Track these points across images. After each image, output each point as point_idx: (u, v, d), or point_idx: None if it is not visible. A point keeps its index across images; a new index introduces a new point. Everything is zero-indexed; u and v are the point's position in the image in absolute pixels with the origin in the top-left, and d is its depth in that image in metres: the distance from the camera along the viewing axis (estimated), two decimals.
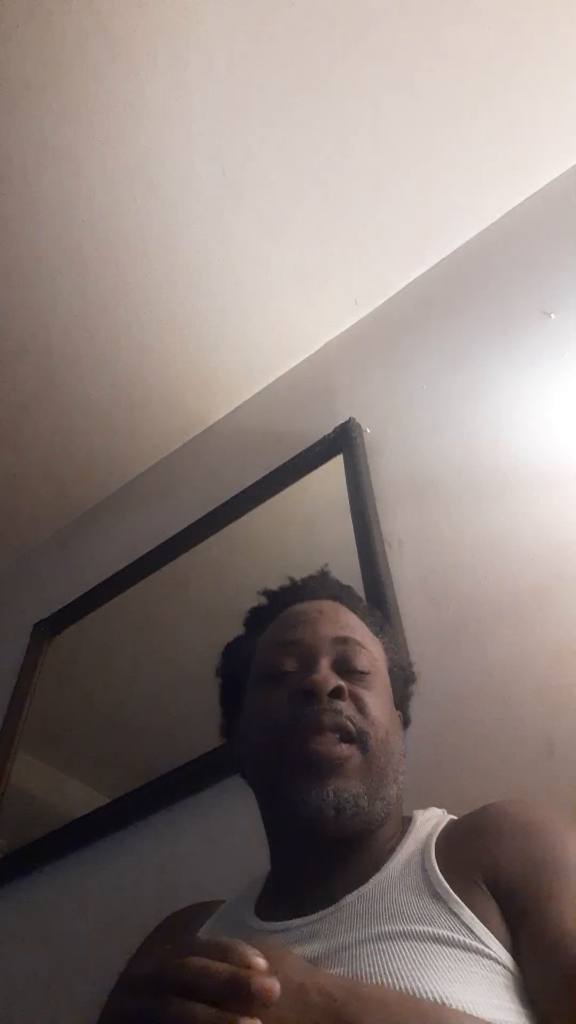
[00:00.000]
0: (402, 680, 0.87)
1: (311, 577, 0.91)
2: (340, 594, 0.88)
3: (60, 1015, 1.10)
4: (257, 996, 0.41)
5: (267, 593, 0.91)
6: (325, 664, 0.76)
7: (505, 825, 0.65)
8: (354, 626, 0.82)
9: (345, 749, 0.70)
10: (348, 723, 0.71)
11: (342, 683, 0.73)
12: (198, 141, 1.58)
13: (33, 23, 1.42)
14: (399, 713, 0.83)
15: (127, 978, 0.75)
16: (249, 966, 0.42)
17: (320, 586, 0.89)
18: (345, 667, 0.77)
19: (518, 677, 1.00)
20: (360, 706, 0.73)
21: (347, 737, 0.70)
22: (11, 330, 1.82)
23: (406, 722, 0.85)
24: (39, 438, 2.01)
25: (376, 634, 0.86)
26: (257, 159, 1.61)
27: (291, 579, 0.91)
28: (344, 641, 0.79)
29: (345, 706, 0.72)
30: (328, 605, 0.85)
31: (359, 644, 0.79)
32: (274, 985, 0.42)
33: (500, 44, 1.47)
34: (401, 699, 0.85)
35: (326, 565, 0.94)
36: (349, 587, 0.91)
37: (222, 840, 1.11)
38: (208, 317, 1.83)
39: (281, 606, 0.87)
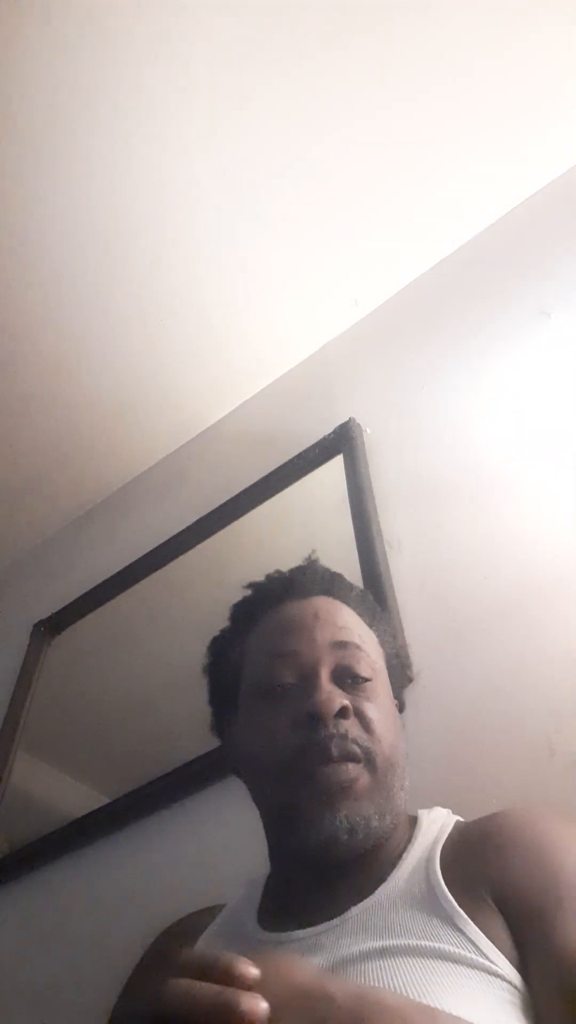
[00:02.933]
0: (398, 668, 0.85)
1: (299, 569, 0.87)
2: (331, 586, 0.84)
3: (60, 1015, 1.10)
4: (244, 1018, 0.40)
5: (253, 586, 0.87)
6: (325, 678, 0.73)
7: (514, 838, 0.64)
8: (351, 626, 0.80)
9: (352, 770, 0.68)
10: (355, 746, 0.69)
11: (346, 702, 0.71)
12: (198, 142, 1.58)
13: (33, 24, 1.42)
14: (396, 701, 0.82)
15: (120, 1012, 0.74)
16: (234, 979, 0.41)
17: (310, 579, 0.85)
18: (346, 675, 0.75)
19: (519, 677, 1.00)
20: (365, 723, 0.72)
21: (354, 760, 0.69)
22: (11, 330, 1.82)
23: (401, 707, 0.84)
24: (39, 438, 2.01)
25: (370, 624, 0.83)
26: (258, 160, 1.61)
27: (279, 571, 0.87)
28: (343, 646, 0.77)
29: (351, 726, 0.70)
30: (322, 604, 0.81)
31: (358, 647, 0.77)
32: (258, 1005, 0.40)
33: (500, 45, 1.47)
34: (398, 687, 0.84)
35: (313, 552, 0.91)
36: (339, 575, 0.87)
37: (222, 840, 1.11)
38: (208, 317, 1.83)
39: (269, 602, 0.83)
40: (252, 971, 0.42)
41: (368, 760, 0.69)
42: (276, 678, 0.75)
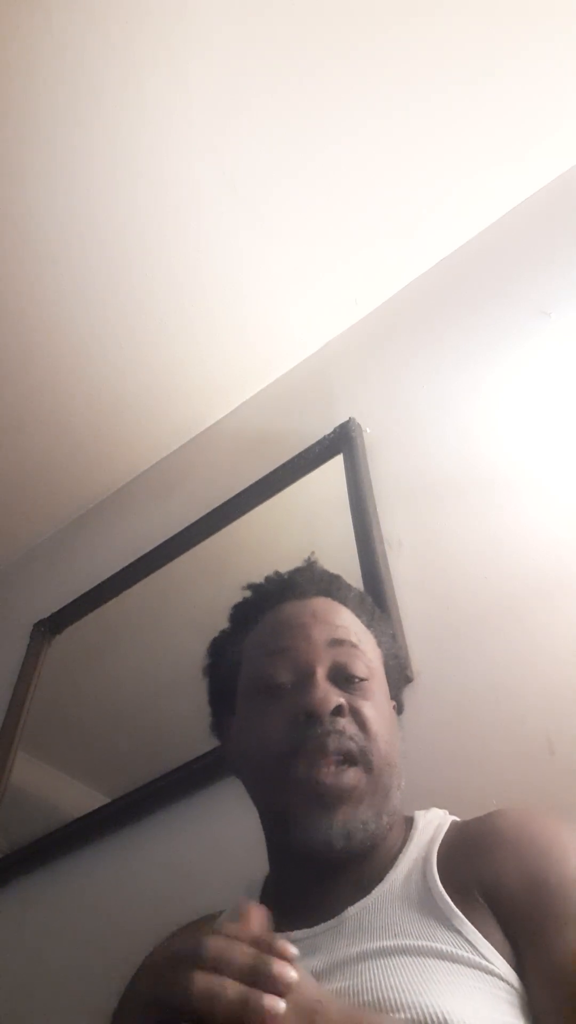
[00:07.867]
0: (396, 669, 0.85)
1: (298, 570, 0.88)
2: (330, 587, 0.85)
3: (61, 1014, 1.10)
4: (278, 979, 0.43)
5: (253, 587, 0.88)
6: (322, 675, 0.73)
7: (506, 838, 0.64)
8: (348, 625, 0.80)
9: (351, 776, 0.68)
10: (351, 744, 0.69)
11: (342, 700, 0.71)
12: (199, 142, 1.58)
13: (33, 24, 1.42)
14: (394, 703, 0.82)
15: (131, 994, 0.74)
16: (275, 952, 0.44)
17: (308, 580, 0.85)
18: (342, 674, 0.74)
19: (518, 676, 1.00)
20: (361, 722, 0.71)
21: (351, 759, 0.68)
22: (12, 332, 1.82)
23: (399, 709, 0.84)
24: (39, 438, 2.01)
25: (368, 625, 0.83)
26: (258, 160, 1.61)
27: (277, 573, 0.88)
28: (340, 644, 0.77)
29: (346, 724, 0.70)
30: (320, 604, 0.81)
31: (354, 646, 0.77)
32: (293, 974, 0.43)
33: (500, 44, 1.47)
34: (395, 689, 0.83)
35: (312, 554, 0.91)
36: (338, 577, 0.88)
37: (222, 840, 1.11)
38: (208, 317, 1.83)
39: (268, 602, 0.84)
40: (291, 950, 0.45)
41: (364, 760, 0.69)
42: (273, 676, 0.75)
